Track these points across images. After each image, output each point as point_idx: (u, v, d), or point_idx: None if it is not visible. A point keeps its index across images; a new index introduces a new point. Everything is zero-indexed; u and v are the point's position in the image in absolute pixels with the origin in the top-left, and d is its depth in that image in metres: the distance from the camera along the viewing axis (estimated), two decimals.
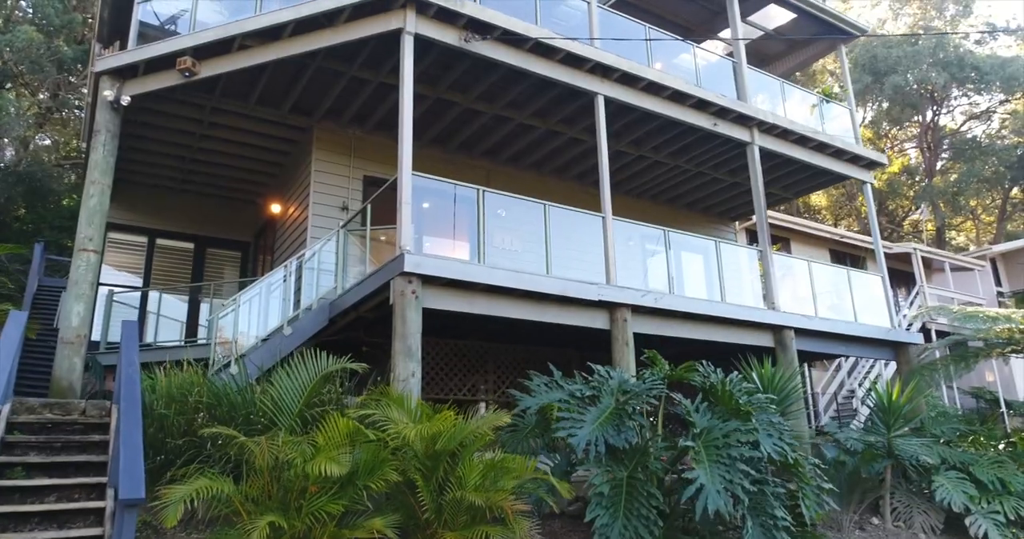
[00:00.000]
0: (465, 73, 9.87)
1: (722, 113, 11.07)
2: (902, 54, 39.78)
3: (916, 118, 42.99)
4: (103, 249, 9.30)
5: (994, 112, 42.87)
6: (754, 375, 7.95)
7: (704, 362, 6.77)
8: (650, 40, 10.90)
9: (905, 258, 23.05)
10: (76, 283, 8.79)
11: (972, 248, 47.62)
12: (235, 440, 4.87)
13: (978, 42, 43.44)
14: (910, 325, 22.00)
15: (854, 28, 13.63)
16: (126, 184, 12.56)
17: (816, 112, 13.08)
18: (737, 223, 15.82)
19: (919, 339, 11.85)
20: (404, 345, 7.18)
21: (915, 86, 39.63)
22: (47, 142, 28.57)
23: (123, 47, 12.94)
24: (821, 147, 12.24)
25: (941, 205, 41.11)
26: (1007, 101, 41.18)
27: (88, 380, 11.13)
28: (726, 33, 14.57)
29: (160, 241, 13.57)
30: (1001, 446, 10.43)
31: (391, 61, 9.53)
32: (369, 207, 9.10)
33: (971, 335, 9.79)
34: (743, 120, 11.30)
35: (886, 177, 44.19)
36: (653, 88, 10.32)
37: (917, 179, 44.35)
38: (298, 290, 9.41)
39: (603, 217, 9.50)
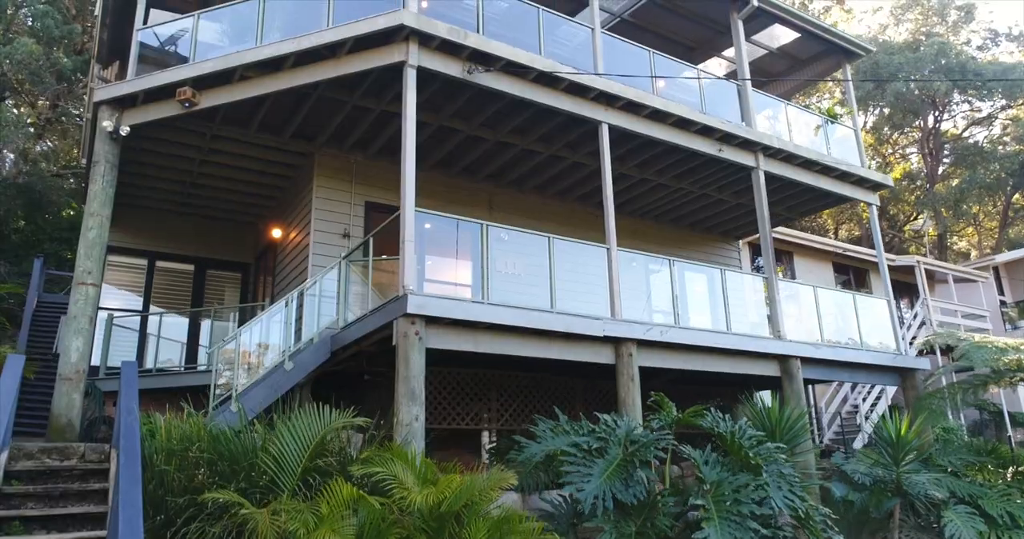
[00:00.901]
0: (468, 101, 9.77)
1: (727, 138, 10.97)
2: (904, 60, 39.67)
3: (917, 123, 42.88)
4: (102, 280, 9.19)
5: (996, 118, 42.77)
6: (761, 409, 7.85)
7: (712, 408, 6.66)
8: (654, 67, 10.79)
9: (909, 270, 22.95)
10: (75, 317, 8.69)
11: (974, 254, 47.57)
12: (238, 507, 4.77)
13: (980, 48, 43.38)
14: (914, 339, 21.92)
15: (858, 47, 13.52)
16: (125, 207, 12.45)
17: (821, 132, 12.98)
18: (741, 241, 15.72)
19: (926, 364, 11.75)
20: (407, 388, 7.07)
21: (917, 92, 39.52)
22: (47, 146, 28.46)
23: (123, 66, 12.88)
24: (826, 170, 12.15)
25: (943, 211, 41.03)
26: (1009, 107, 41.08)
27: (88, 406, 11.03)
28: (730, 51, 14.48)
29: (160, 263, 13.47)
30: (1009, 475, 10.33)
31: (393, 89, 9.42)
32: (371, 240, 8.99)
33: (979, 362, 9.69)
34: (748, 145, 11.20)
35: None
36: (658, 115, 10.22)
37: (919, 183, 44.27)
38: (299, 318, 9.30)
39: (608, 248, 9.39)
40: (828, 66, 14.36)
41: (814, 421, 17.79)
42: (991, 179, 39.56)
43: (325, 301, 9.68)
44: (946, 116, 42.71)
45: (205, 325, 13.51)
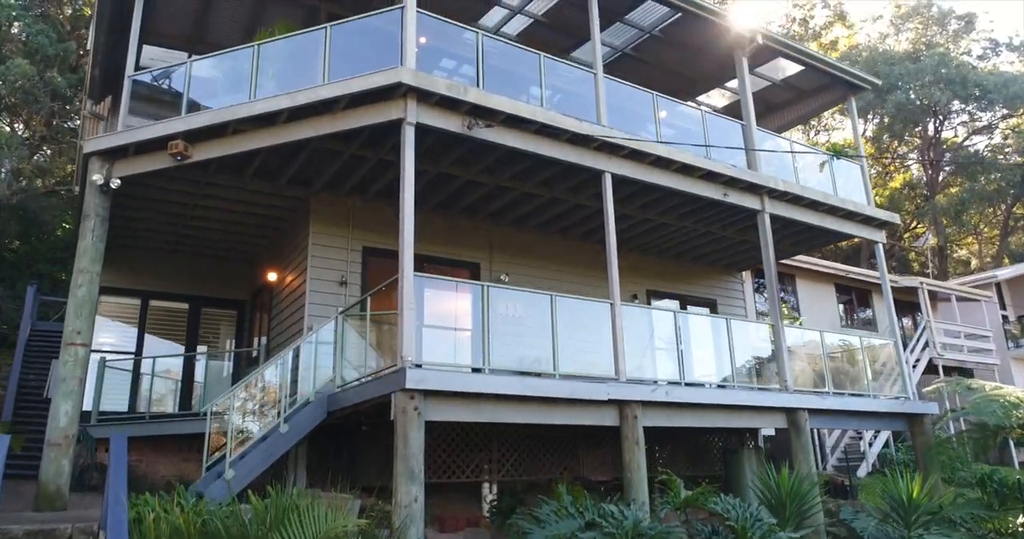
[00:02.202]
0: (467, 151, 9.53)
1: (732, 183, 10.75)
2: (904, 71, 39.45)
3: (918, 129, 42.67)
4: (91, 339, 8.94)
5: (996, 127, 42.57)
6: (771, 481, 7.64)
7: (722, 495, 6.44)
8: (657, 107, 10.57)
9: (912, 291, 22.77)
10: (64, 380, 8.44)
11: (974, 262, 47.41)
12: None
13: (980, 57, 43.17)
14: (917, 361, 21.73)
15: (864, 82, 13.30)
16: (118, 247, 12.20)
17: (826, 168, 12.76)
18: (744, 273, 15.51)
19: (934, 409, 11.54)
20: (406, 467, 6.84)
21: (918, 102, 39.30)
22: (42, 159, 28.16)
23: (115, 102, 12.62)
24: (833, 210, 11.93)
25: (944, 222, 40.84)
26: (1010, 116, 40.86)
27: (80, 453, 10.79)
28: (733, 83, 14.25)
29: (154, 302, 13.22)
30: (1020, 526, 10.11)
31: (391, 139, 9.14)
32: (368, 300, 8.75)
33: (990, 418, 9.47)
34: (753, 188, 10.98)
35: (887, 193, 43.93)
36: (661, 162, 9.99)
37: (919, 190, 44.08)
38: (294, 380, 9.06)
39: (611, 303, 9.15)
40: (833, 97, 14.14)
41: (816, 448, 17.58)
42: (992, 188, 39.39)
43: (322, 353, 9.46)
44: (946, 126, 42.50)
45: (200, 364, 13.28)
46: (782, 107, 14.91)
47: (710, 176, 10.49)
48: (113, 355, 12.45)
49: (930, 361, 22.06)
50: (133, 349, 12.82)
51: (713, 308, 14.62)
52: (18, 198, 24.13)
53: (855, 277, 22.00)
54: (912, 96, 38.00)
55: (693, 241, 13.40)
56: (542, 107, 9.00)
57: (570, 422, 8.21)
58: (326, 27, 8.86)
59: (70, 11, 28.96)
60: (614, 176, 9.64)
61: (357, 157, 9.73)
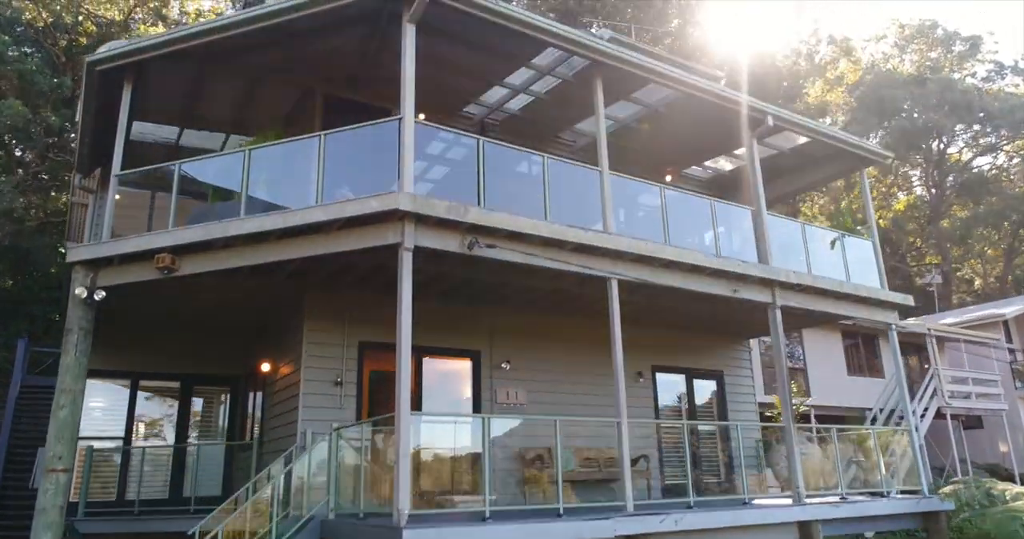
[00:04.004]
0: (467, 259, 9.12)
1: (742, 278, 10.36)
2: (909, 95, 39.08)
3: (922, 152, 42.32)
4: (74, 464, 8.55)
5: (1001, 149, 42.23)
6: None
7: None
8: (665, 200, 10.18)
9: (919, 336, 22.41)
10: (44, 510, 8.06)
11: (978, 282, 47.04)
12: None
13: (985, 79, 42.83)
14: (926, 411, 21.36)
15: (877, 155, 12.91)
16: (105, 328, 11.79)
17: (838, 246, 12.39)
18: (751, 340, 15.11)
19: (951, 506, 11.14)
20: None
21: (922, 126, 38.94)
22: (36, 199, 27.73)
23: (104, 176, 12.24)
24: (845, 296, 11.54)
25: (950, 248, 40.45)
26: (1014, 138, 40.47)
27: None
28: (741, 150, 13.85)
29: (144, 382, 12.83)
30: None
31: (390, 249, 8.77)
32: (367, 426, 8.35)
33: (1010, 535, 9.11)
34: (765, 283, 10.59)
35: (891, 216, 43.55)
36: (671, 265, 9.60)
37: (923, 212, 43.71)
38: (286, 502, 8.68)
39: (618, 422, 8.75)
40: (845, 167, 13.75)
41: None
42: (997, 210, 38.98)
43: (316, 466, 9.09)
44: (951, 149, 42.15)
45: (192, 448, 12.88)
46: (791, 172, 14.48)
47: (720, 273, 10.10)
48: (101, 442, 12.06)
49: (938, 410, 21.72)
50: (122, 433, 12.41)
51: (720, 380, 14.23)
52: (9, 239, 23.75)
53: (862, 324, 21.62)
54: (917, 123, 37.61)
55: (700, 316, 13.00)
56: (546, 220, 8.59)
57: None
58: (319, 136, 8.48)
59: (64, 43, 28.52)
60: (621, 281, 9.25)
61: (354, 260, 9.33)
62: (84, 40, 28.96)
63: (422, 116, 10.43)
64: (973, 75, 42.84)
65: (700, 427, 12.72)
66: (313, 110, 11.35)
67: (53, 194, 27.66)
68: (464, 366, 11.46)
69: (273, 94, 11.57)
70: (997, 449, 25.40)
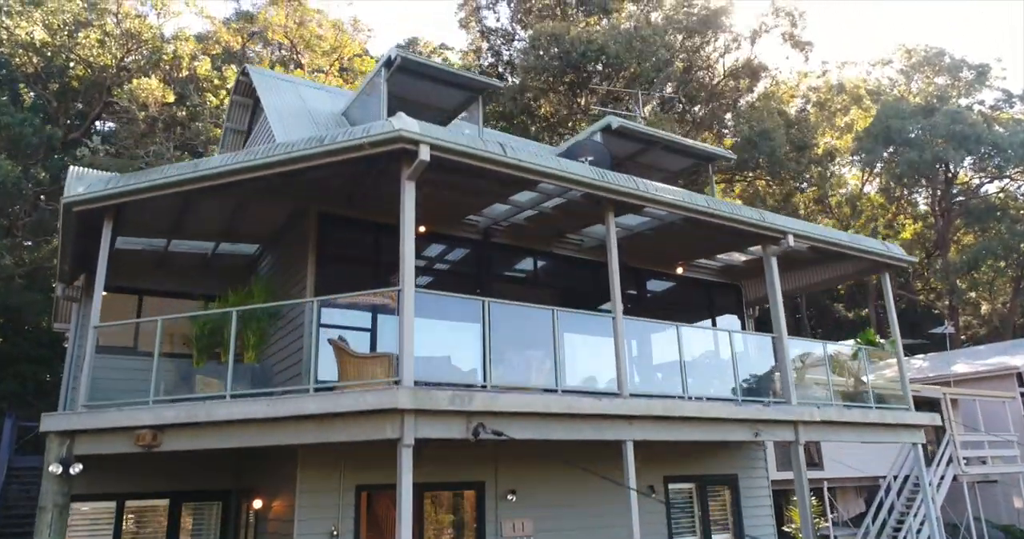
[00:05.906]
0: None
1: (763, 422, 9.76)
2: (916, 126, 38.49)
3: (927, 185, 41.76)
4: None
5: (1008, 176, 41.63)
6: None
7: None
8: (681, 340, 9.57)
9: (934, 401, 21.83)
10: None
11: (984, 307, 46.47)
12: None
13: (993, 107, 42.26)
14: (942, 478, 20.78)
15: (899, 261, 12.30)
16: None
17: (860, 357, 11.80)
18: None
19: None
20: None
21: (929, 158, 38.30)
22: (26, 255, 27.12)
23: (88, 283, 11.65)
24: (871, 426, 10.95)
25: (958, 282, 39.86)
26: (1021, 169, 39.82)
27: None
28: (756, 248, 13.25)
29: (130, 503, 12.19)
30: None
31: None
32: None
33: None
34: (787, 423, 9.99)
35: (897, 242, 43.00)
36: (690, 421, 9.00)
37: (930, 238, 43.16)
38: None
39: None
40: (864, 269, 13.14)
41: None
42: (1005, 240, 38.40)
43: None
44: (960, 172, 41.54)
45: None
46: (808, 266, 13.89)
47: (741, 421, 9.50)
48: None
49: (955, 477, 21.16)
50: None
51: (734, 484, 13.63)
52: None
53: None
54: (926, 155, 36.99)
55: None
56: (558, 394, 7.98)
57: None
58: (312, 301, 7.87)
59: (56, 86, 27.90)
60: (637, 442, 8.66)
61: None
62: (76, 83, 28.35)
63: (422, 228, 9.91)
64: (981, 103, 42.19)
65: None
66: (308, 226, 10.76)
67: (43, 244, 27.04)
68: (468, 496, 10.91)
69: (265, 210, 10.98)
70: (1011, 504, 24.85)
